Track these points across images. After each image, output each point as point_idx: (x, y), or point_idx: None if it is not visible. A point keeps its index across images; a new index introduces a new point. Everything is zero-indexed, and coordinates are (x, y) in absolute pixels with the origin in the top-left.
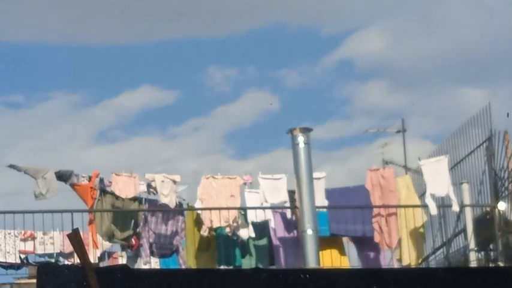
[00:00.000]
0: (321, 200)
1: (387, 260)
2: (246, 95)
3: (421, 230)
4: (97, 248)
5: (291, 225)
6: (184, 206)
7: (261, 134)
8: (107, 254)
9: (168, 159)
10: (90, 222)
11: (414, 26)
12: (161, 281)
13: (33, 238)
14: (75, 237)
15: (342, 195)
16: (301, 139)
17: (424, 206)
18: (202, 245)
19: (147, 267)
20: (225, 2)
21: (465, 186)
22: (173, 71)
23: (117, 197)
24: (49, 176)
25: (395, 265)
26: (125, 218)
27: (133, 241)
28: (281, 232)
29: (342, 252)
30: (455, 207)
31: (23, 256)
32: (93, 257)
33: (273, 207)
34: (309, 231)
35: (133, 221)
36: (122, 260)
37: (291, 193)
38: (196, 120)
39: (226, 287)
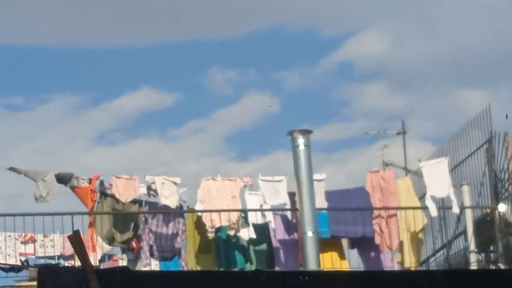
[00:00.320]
0: (321, 202)
1: (388, 262)
2: (246, 97)
3: (422, 232)
4: (95, 251)
5: (291, 227)
6: (185, 208)
7: (261, 136)
8: (107, 257)
9: (168, 161)
10: (90, 225)
11: (414, 27)
12: (161, 283)
13: (34, 241)
14: (75, 239)
15: (342, 197)
16: (301, 141)
17: (425, 208)
18: (202, 247)
19: (147, 269)
20: (225, 4)
21: (465, 188)
22: (173, 73)
23: (117, 200)
24: (49, 179)
25: (396, 267)
26: (125, 220)
27: (133, 244)
28: (281, 234)
29: (342, 256)
30: (456, 209)
31: (23, 259)
32: (93, 259)
33: (273, 209)
34: (309, 233)
35: (133, 224)
36: (123, 263)
37: (291, 195)
38: (196, 122)
39: None
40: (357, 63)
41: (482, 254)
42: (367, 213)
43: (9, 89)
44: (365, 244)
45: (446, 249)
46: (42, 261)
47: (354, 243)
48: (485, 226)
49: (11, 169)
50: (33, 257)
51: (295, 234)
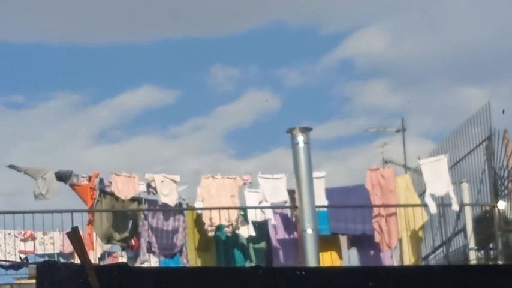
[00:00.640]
0: (321, 200)
1: (387, 261)
2: (246, 94)
3: (421, 230)
4: (93, 249)
5: (290, 225)
6: (184, 206)
7: (261, 133)
8: (106, 254)
9: (168, 159)
10: (89, 222)
11: (414, 24)
12: (160, 279)
13: (33, 238)
14: (74, 236)
15: (341, 195)
16: (300, 138)
17: (424, 206)
18: (202, 245)
19: (145, 265)
20: (224, 2)
21: (465, 185)
22: (174, 71)
23: (116, 199)
24: (49, 176)
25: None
26: (124, 219)
27: (133, 242)
28: (281, 232)
29: (341, 256)
30: (455, 206)
31: (23, 256)
32: (93, 257)
33: (273, 207)
34: (309, 231)
35: (131, 222)
36: (122, 260)
37: (291, 192)
38: (196, 120)
39: (225, 284)
40: (357, 60)
41: (482, 252)
42: (366, 210)
43: (10, 87)
44: (364, 242)
45: (445, 247)
46: (41, 259)
47: (353, 241)
48: (485, 223)
49: (11, 167)
50: (33, 255)
51: (295, 232)
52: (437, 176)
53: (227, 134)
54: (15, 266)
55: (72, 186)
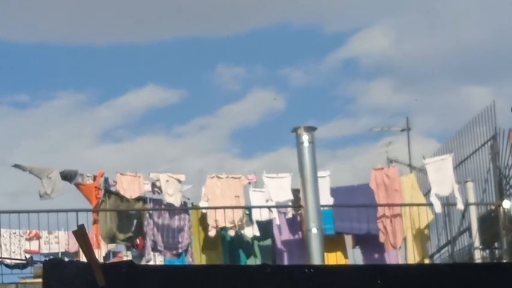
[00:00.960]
0: (326, 199)
1: (392, 260)
2: (251, 94)
3: (426, 229)
4: (99, 248)
5: (295, 224)
6: (189, 206)
7: (266, 132)
8: (112, 254)
9: (173, 158)
10: (94, 222)
11: (418, 24)
12: (166, 277)
13: (38, 237)
14: (81, 234)
15: (346, 194)
16: (305, 138)
17: (429, 205)
18: (207, 244)
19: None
20: (228, 1)
21: (470, 185)
22: (178, 70)
23: (121, 199)
24: (54, 176)
25: None
26: (128, 219)
27: (138, 241)
28: (286, 231)
29: (346, 255)
30: (460, 206)
31: (28, 256)
32: (98, 256)
33: (278, 206)
34: (314, 230)
35: (135, 221)
36: (127, 259)
37: (296, 192)
38: (201, 119)
39: (231, 282)
40: (361, 60)
41: (487, 251)
42: (371, 210)
43: (14, 86)
44: (369, 242)
45: (450, 246)
46: (46, 258)
47: (358, 241)
48: (490, 223)
49: (16, 166)
50: (38, 254)
51: (300, 232)
52: (442, 175)
53: (232, 133)
54: (20, 265)
55: (77, 185)
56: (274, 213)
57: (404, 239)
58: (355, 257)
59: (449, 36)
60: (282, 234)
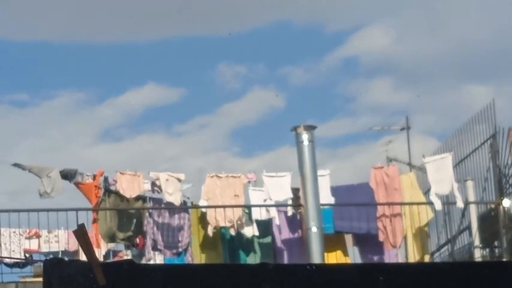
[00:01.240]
0: (326, 198)
1: (392, 260)
2: (251, 92)
3: (426, 227)
4: (98, 247)
5: (295, 223)
6: (189, 205)
7: (265, 131)
8: (111, 253)
9: (172, 157)
10: (94, 221)
11: (418, 22)
12: (167, 276)
13: (38, 236)
14: (81, 233)
15: (346, 193)
16: (305, 137)
17: (429, 203)
18: (207, 243)
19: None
20: (229, 0)
21: (470, 183)
22: (178, 69)
23: (121, 198)
24: (54, 175)
25: None
26: (128, 218)
27: (137, 240)
28: (285, 230)
29: (346, 253)
30: (460, 204)
31: (27, 255)
32: (98, 255)
33: (278, 205)
34: (314, 229)
35: (135, 221)
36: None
37: (296, 191)
38: (201, 118)
39: (233, 281)
40: (361, 58)
41: (487, 249)
42: (371, 209)
43: (14, 85)
44: (369, 241)
45: (450, 245)
46: (46, 257)
47: (358, 240)
48: (490, 221)
49: (16, 165)
50: (38, 253)
51: (300, 230)
52: (442, 174)
53: (232, 132)
54: (20, 264)
55: (77, 184)
56: (274, 213)
57: (405, 238)
58: (355, 255)
59: (450, 35)
60: (282, 233)
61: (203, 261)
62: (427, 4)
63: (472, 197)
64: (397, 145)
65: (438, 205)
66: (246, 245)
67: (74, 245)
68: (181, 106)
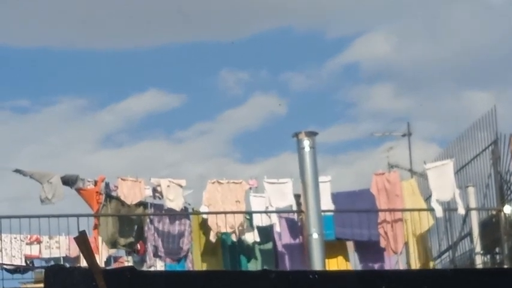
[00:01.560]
0: (327, 204)
1: (393, 266)
2: (252, 99)
3: (427, 234)
4: (98, 253)
5: (296, 229)
6: (190, 211)
7: (267, 137)
8: (112, 259)
9: (173, 163)
10: (95, 227)
11: (419, 29)
12: (169, 282)
13: (39, 242)
14: (82, 240)
15: (347, 199)
16: (306, 143)
17: (430, 210)
18: (208, 249)
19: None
20: (230, 6)
21: (471, 190)
22: (179, 75)
23: (122, 204)
24: (55, 181)
25: None
26: (129, 224)
27: (138, 246)
28: (286, 236)
29: (348, 260)
30: (461, 211)
31: (28, 261)
32: (99, 261)
33: (279, 212)
34: (315, 235)
35: (136, 227)
36: (128, 265)
37: (297, 197)
38: (202, 124)
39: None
40: (362, 64)
41: (488, 256)
42: (372, 215)
43: (16, 91)
44: (370, 248)
45: (452, 251)
46: (47, 263)
47: (358, 246)
48: (491, 228)
49: (17, 171)
50: (38, 259)
51: (301, 237)
52: (443, 180)
53: (233, 138)
54: (21, 270)
55: (78, 190)
56: (275, 219)
57: (406, 244)
58: (356, 262)
59: (451, 41)
60: (283, 239)
61: (204, 268)
62: (428, 10)
63: (473, 204)
64: (399, 151)
65: (439, 211)
66: (247, 251)
67: (75, 251)
68: (183, 112)
